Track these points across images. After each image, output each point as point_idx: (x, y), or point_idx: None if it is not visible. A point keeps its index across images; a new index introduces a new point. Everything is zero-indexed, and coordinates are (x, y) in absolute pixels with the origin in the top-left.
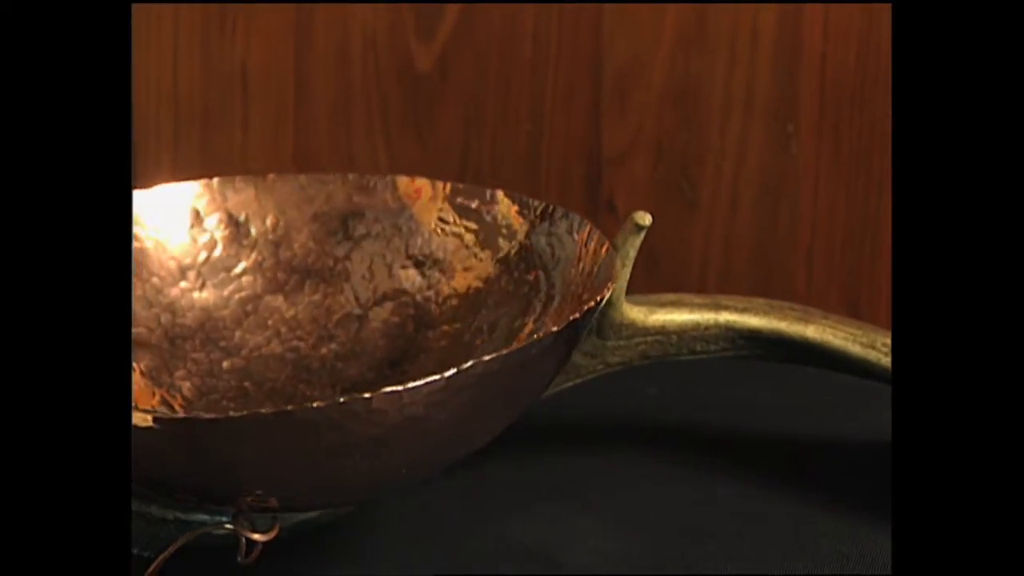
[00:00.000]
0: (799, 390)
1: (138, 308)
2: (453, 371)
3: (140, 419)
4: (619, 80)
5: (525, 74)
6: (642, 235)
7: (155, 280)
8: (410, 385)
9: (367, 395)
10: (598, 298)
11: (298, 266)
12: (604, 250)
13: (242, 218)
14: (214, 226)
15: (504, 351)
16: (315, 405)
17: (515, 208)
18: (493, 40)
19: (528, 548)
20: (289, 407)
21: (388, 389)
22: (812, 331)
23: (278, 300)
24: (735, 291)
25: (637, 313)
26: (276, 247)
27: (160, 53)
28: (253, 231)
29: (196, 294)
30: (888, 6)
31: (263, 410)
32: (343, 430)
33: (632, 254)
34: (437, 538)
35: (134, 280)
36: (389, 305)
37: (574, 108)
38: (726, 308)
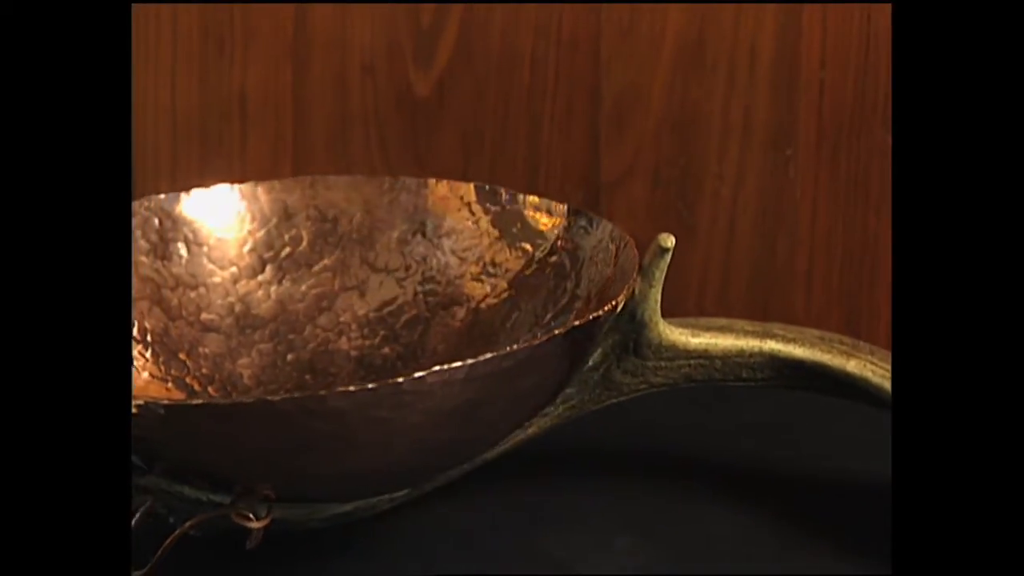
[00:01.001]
0: (842, 423)
1: (213, 296)
2: (461, 363)
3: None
4: (617, 105)
5: (523, 99)
6: (667, 257)
7: (233, 270)
8: (435, 369)
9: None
10: (605, 308)
11: (378, 265)
12: (628, 251)
13: (331, 215)
14: (301, 221)
15: (510, 348)
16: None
17: (545, 211)
18: (491, 65)
19: (557, 564)
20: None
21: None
22: (853, 365)
23: (352, 298)
24: (731, 315)
25: (679, 335)
26: (360, 246)
27: (159, 76)
28: (340, 229)
29: (274, 287)
30: (886, 33)
31: (271, 398)
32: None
33: (658, 275)
34: (464, 551)
35: (212, 267)
36: (454, 310)
37: (572, 133)
38: (773, 337)
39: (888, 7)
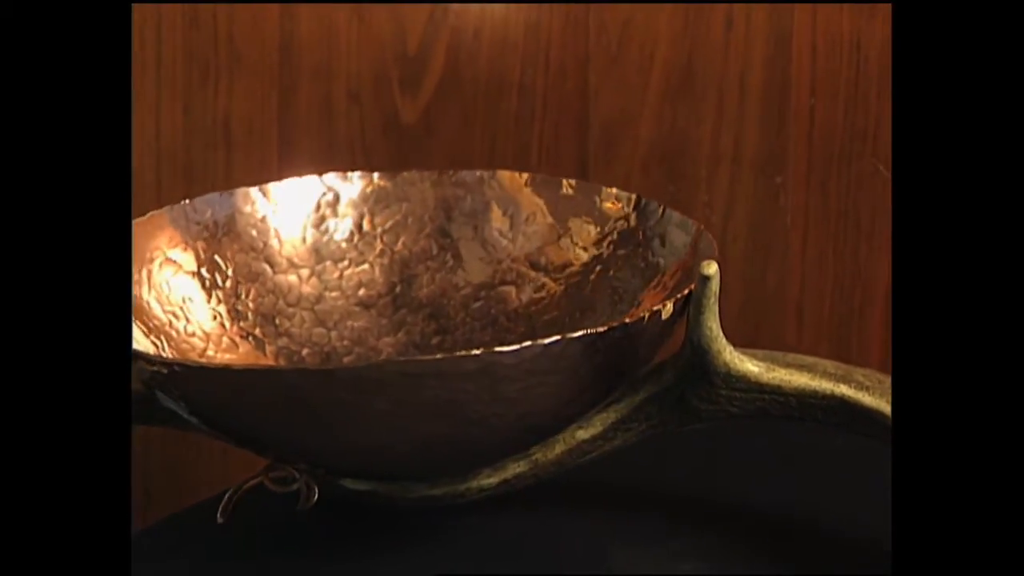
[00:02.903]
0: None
1: (377, 274)
2: (518, 345)
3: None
4: (606, 133)
5: (511, 127)
6: (710, 284)
7: (404, 252)
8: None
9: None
10: (643, 314)
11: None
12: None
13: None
14: (458, 216)
15: (567, 335)
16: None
17: (611, 199)
18: (479, 92)
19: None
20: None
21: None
22: None
23: (509, 291)
24: None
25: (752, 367)
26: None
27: (143, 106)
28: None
29: (440, 274)
30: (876, 61)
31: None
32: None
33: (706, 303)
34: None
35: (383, 247)
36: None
37: (560, 161)
38: (849, 381)
39: (877, 36)
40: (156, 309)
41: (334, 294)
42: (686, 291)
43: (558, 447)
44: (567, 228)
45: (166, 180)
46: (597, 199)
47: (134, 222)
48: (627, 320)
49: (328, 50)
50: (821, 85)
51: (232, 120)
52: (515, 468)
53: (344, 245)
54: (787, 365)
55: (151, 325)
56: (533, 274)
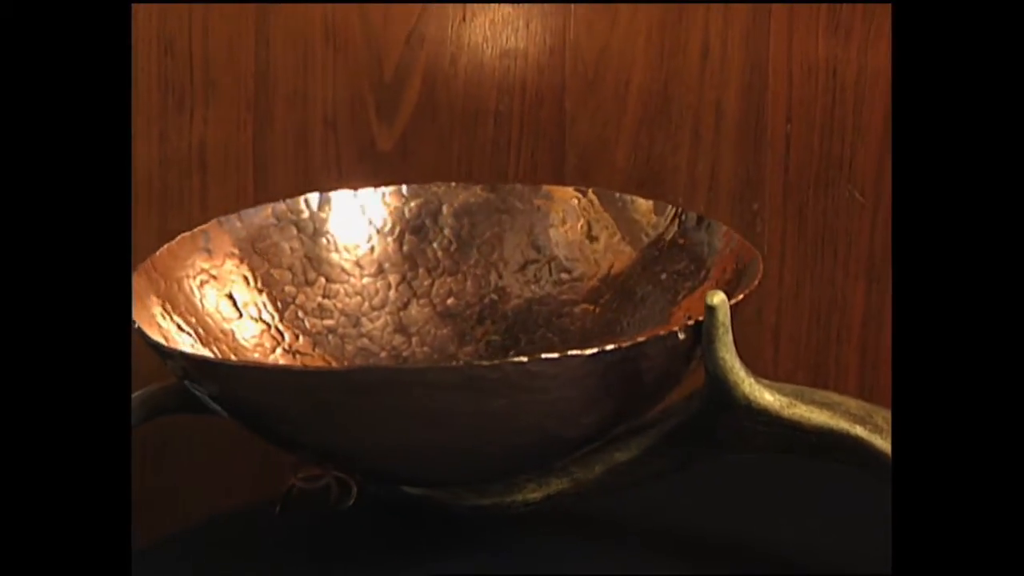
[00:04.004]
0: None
1: (469, 285)
2: (552, 356)
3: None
4: (582, 160)
5: (487, 154)
6: (716, 314)
7: (499, 265)
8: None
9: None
10: (675, 328)
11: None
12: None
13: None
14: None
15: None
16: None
17: (651, 211)
18: (455, 119)
19: None
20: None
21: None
22: None
23: (588, 309)
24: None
25: (772, 401)
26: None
27: None
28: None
29: (533, 286)
30: (852, 88)
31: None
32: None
33: (714, 333)
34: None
35: (479, 258)
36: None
37: None
38: (866, 423)
39: (853, 62)
40: (243, 299)
41: (422, 301)
42: (689, 320)
43: (597, 467)
44: (641, 248)
45: (141, 207)
46: (661, 217)
47: (239, 214)
48: (622, 345)
49: (304, 77)
50: (797, 112)
51: (207, 147)
52: (558, 484)
53: (440, 254)
54: (811, 402)
55: (251, 313)
56: (609, 294)
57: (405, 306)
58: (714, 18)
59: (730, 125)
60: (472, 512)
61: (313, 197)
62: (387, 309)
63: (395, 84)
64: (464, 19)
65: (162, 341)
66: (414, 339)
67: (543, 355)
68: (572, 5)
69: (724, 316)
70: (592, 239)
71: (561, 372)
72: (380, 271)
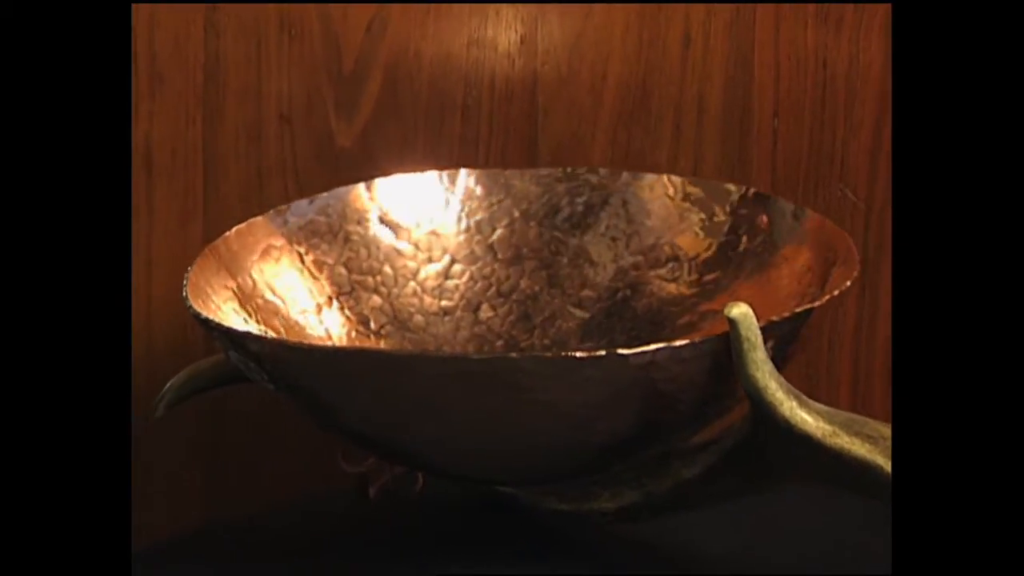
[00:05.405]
0: None
1: (600, 276)
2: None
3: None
4: (556, 158)
5: (454, 151)
6: (738, 328)
7: (636, 259)
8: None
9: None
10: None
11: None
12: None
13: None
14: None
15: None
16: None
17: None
18: (419, 114)
19: None
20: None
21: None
22: None
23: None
24: None
25: (814, 427)
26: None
27: None
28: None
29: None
30: (843, 80)
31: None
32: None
33: (740, 349)
34: None
35: (618, 251)
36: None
37: None
38: None
39: (844, 52)
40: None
41: (554, 290)
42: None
43: (667, 481)
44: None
45: None
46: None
47: (329, 193)
48: (612, 352)
49: (256, 69)
50: (785, 106)
51: (154, 145)
52: (630, 496)
53: (578, 242)
54: (855, 433)
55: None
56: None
57: (535, 296)
58: (696, 6)
59: (713, 120)
60: (555, 516)
61: (459, 173)
62: (514, 297)
63: (355, 76)
64: (429, 7)
65: (237, 325)
66: (537, 331)
67: (539, 354)
68: None
69: (748, 330)
70: (731, 247)
71: (555, 373)
72: (517, 257)
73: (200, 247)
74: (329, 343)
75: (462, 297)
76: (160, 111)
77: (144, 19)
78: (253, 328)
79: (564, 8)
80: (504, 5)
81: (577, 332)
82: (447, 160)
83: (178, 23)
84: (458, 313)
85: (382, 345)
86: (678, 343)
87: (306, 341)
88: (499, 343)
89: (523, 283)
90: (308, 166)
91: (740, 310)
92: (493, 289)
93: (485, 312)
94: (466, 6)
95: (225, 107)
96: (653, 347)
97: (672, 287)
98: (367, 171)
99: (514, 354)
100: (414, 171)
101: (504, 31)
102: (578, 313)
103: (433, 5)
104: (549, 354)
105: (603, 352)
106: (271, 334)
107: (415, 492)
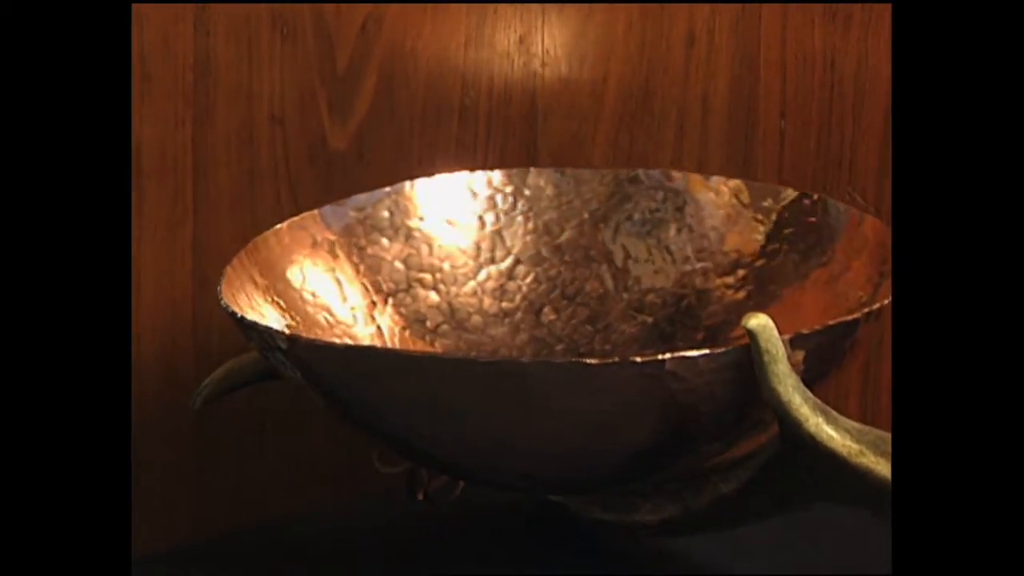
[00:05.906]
0: None
1: (658, 281)
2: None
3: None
4: (556, 161)
5: (451, 153)
6: (757, 339)
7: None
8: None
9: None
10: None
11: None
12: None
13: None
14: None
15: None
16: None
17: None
18: (415, 116)
19: None
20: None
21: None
22: None
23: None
24: None
25: (840, 445)
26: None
27: None
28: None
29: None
30: (851, 80)
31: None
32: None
33: (760, 362)
34: None
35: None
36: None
37: None
38: None
39: (852, 52)
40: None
41: (619, 294)
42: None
43: (705, 496)
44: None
45: None
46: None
47: (391, 187)
48: (611, 360)
49: (248, 69)
50: (792, 106)
51: (142, 147)
52: (671, 510)
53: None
54: (882, 453)
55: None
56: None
57: (601, 298)
58: (700, 4)
59: (718, 121)
60: (599, 525)
61: (529, 172)
62: (579, 300)
63: (349, 76)
64: (426, 5)
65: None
66: (598, 336)
67: (548, 359)
68: None
69: (767, 342)
70: (795, 255)
71: (566, 379)
72: (585, 259)
73: (190, 251)
74: (348, 341)
75: (524, 299)
76: (148, 112)
77: (132, 18)
78: (280, 325)
79: (564, 7)
80: (503, 4)
81: (639, 338)
82: (443, 162)
83: (167, 21)
84: (519, 315)
85: (436, 345)
86: (693, 353)
87: (334, 339)
88: (559, 347)
89: (588, 286)
90: (301, 168)
91: (758, 321)
92: (557, 291)
93: (547, 315)
94: (464, 4)
95: (215, 108)
96: (667, 356)
97: (737, 295)
98: (361, 174)
99: (524, 359)
100: (461, 171)
101: (503, 30)
102: (641, 318)
103: (430, 3)
104: (559, 360)
105: (615, 359)
106: (303, 332)
107: (452, 497)
